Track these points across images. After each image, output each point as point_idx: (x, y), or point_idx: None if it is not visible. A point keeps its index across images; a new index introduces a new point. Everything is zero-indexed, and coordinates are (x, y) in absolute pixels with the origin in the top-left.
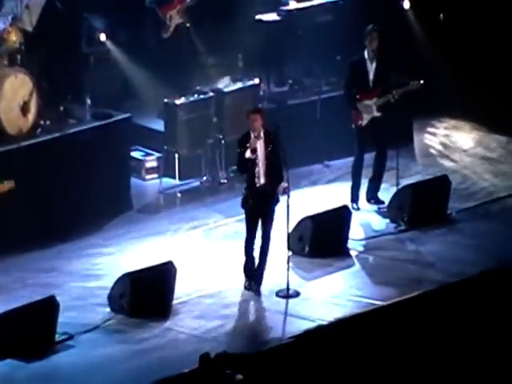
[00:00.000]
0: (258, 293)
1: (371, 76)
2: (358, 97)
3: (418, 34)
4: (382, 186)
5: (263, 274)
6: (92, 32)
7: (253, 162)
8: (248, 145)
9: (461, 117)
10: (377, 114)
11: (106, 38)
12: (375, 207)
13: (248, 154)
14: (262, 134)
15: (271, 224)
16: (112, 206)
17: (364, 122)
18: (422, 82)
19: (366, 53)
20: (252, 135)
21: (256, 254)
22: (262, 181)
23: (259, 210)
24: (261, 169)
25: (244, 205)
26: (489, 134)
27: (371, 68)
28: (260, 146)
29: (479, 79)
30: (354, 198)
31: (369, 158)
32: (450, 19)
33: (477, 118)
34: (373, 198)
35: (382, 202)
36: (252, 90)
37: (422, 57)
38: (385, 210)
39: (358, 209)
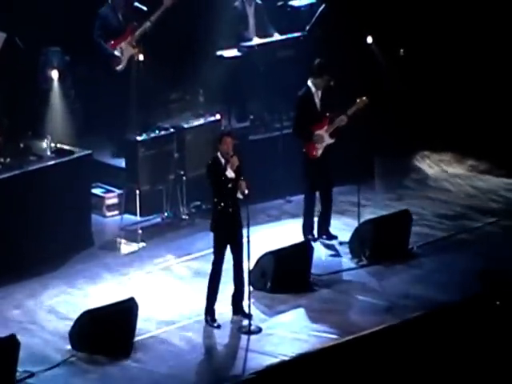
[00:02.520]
0: (250, 317)
1: (318, 105)
2: (310, 129)
3: (380, 69)
4: (344, 221)
5: (243, 299)
6: (49, 68)
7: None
8: (228, 165)
9: (424, 150)
10: (330, 140)
11: (59, 76)
12: (336, 242)
13: (230, 173)
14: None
15: (242, 249)
16: (73, 243)
17: (319, 153)
18: (365, 97)
19: (310, 83)
20: (222, 159)
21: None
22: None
23: (231, 234)
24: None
25: (216, 230)
26: (452, 167)
27: (317, 96)
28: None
29: (441, 113)
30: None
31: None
32: (410, 54)
33: (440, 150)
34: (324, 233)
35: (335, 237)
36: (213, 126)
37: (383, 90)
38: (346, 245)
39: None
